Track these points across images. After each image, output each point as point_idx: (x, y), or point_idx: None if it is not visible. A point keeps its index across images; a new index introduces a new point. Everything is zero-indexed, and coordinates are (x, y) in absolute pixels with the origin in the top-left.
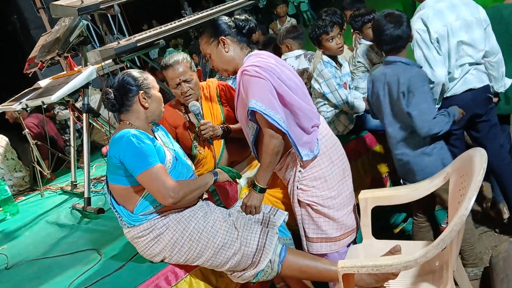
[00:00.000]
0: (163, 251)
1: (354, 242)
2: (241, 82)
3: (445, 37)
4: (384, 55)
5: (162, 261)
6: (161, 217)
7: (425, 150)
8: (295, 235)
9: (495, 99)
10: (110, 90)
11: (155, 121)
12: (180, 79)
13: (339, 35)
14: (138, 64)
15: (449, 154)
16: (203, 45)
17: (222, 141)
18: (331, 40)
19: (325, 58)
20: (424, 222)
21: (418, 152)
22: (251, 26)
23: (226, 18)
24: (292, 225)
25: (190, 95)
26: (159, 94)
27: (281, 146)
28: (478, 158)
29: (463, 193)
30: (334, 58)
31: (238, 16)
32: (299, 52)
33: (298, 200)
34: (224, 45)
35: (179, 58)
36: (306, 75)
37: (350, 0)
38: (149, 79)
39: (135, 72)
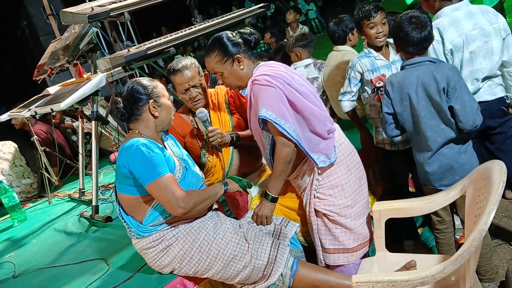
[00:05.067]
0: (172, 263)
1: (367, 254)
2: (251, 92)
3: (459, 48)
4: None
5: (171, 272)
6: (170, 228)
7: (461, 148)
8: (309, 245)
9: None
10: (119, 99)
11: (164, 129)
12: (189, 85)
13: (382, 24)
14: (147, 71)
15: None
16: (214, 64)
17: (230, 149)
18: (372, 27)
19: (366, 49)
20: (446, 231)
21: (456, 151)
22: (256, 38)
23: (231, 34)
24: (305, 235)
25: (198, 100)
26: (169, 102)
27: (293, 154)
28: (497, 171)
29: (480, 206)
30: (382, 49)
31: (242, 30)
32: (309, 61)
33: (315, 209)
34: (239, 63)
35: (188, 63)
36: (315, 84)
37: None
38: (159, 87)
39: (144, 81)
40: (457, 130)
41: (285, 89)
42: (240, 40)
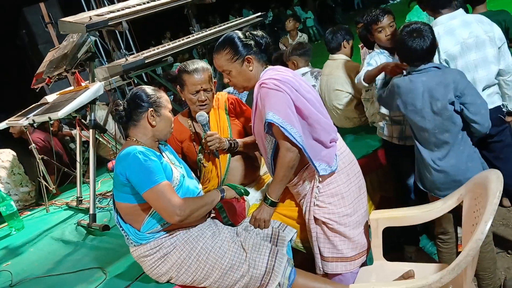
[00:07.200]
0: (170, 271)
1: (365, 263)
2: (258, 95)
3: (454, 57)
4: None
5: (168, 281)
6: (168, 236)
7: (469, 157)
8: (307, 252)
9: (509, 118)
10: (121, 102)
11: (161, 140)
12: (201, 87)
13: (390, 26)
14: (145, 79)
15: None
16: (224, 61)
17: (228, 156)
18: (380, 30)
19: (377, 49)
20: (449, 242)
21: (463, 160)
22: (268, 41)
23: (243, 35)
24: (304, 241)
25: (206, 104)
26: (170, 115)
27: (297, 159)
28: (494, 180)
29: (477, 215)
30: (392, 50)
31: (255, 32)
32: (306, 69)
33: (314, 217)
34: (249, 63)
35: (205, 66)
36: None
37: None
38: (162, 98)
39: (149, 89)
40: (459, 135)
41: (292, 94)
42: (252, 41)
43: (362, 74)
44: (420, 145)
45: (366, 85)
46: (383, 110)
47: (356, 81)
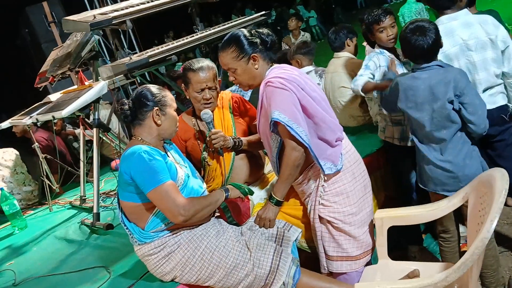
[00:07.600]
0: (174, 270)
1: (369, 262)
2: (264, 94)
3: (451, 59)
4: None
5: (172, 280)
6: (172, 234)
7: (467, 155)
8: (312, 251)
9: None
10: (126, 101)
11: (167, 139)
12: (206, 85)
13: (391, 27)
14: (149, 79)
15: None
16: (229, 59)
17: (232, 154)
18: (381, 31)
19: (377, 49)
20: (451, 240)
21: (461, 157)
22: (274, 39)
23: (248, 33)
24: (308, 241)
25: (211, 103)
26: (175, 114)
27: (302, 158)
28: (499, 178)
29: (482, 214)
30: (393, 50)
31: (260, 30)
32: (309, 68)
33: (319, 216)
34: (254, 61)
35: (210, 64)
36: None
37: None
38: (167, 97)
39: (154, 88)
40: (457, 133)
41: (298, 93)
42: (257, 39)
43: (360, 82)
44: (419, 141)
45: (362, 94)
46: (385, 111)
47: (352, 86)
